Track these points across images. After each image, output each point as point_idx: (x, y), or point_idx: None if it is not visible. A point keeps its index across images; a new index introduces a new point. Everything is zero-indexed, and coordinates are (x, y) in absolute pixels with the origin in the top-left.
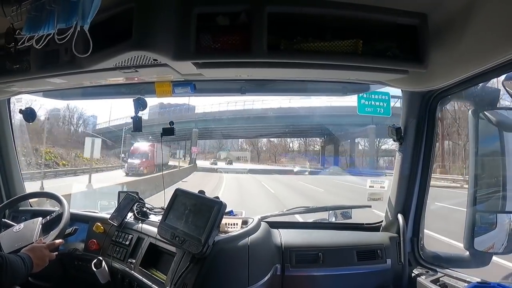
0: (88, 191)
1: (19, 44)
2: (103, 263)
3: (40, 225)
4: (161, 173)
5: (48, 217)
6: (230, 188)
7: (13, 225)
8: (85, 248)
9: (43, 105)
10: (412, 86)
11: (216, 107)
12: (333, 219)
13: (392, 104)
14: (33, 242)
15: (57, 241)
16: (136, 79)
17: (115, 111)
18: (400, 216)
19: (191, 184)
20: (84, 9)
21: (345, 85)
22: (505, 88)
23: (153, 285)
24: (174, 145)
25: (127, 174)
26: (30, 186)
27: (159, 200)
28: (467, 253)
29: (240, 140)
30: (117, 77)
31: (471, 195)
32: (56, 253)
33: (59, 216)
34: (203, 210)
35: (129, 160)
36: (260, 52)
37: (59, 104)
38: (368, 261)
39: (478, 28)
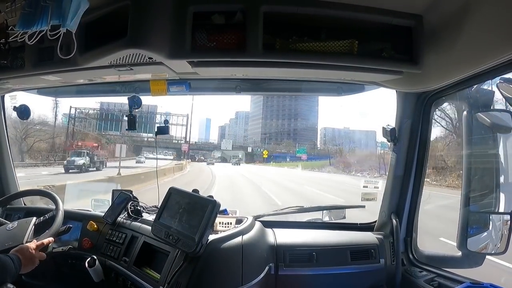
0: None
1: (10, 38)
2: (97, 261)
3: (33, 226)
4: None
5: (41, 218)
6: None
7: (7, 223)
8: (78, 246)
9: None
10: (406, 87)
11: None
12: (327, 219)
13: None
14: (23, 243)
15: (45, 240)
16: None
17: None
18: (393, 216)
19: None
20: (65, 11)
21: (340, 85)
22: (499, 90)
23: (147, 284)
24: None
25: None
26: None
27: None
28: (460, 253)
29: None
30: (112, 75)
31: (465, 195)
32: (47, 252)
33: (53, 218)
34: (197, 209)
35: None
36: (255, 52)
37: None
38: (361, 260)
39: (473, 29)
